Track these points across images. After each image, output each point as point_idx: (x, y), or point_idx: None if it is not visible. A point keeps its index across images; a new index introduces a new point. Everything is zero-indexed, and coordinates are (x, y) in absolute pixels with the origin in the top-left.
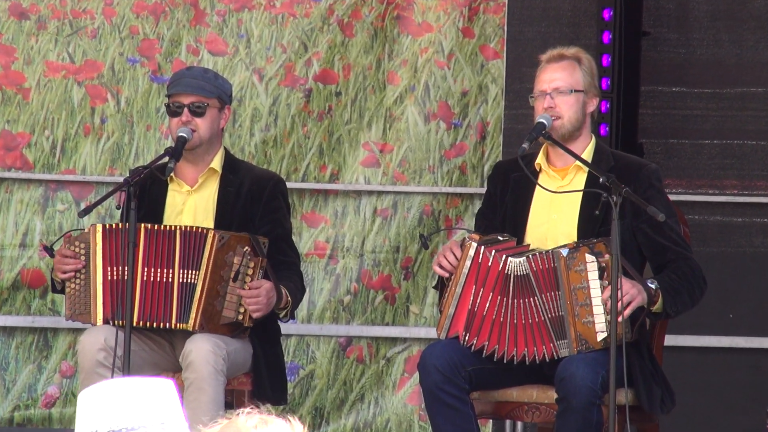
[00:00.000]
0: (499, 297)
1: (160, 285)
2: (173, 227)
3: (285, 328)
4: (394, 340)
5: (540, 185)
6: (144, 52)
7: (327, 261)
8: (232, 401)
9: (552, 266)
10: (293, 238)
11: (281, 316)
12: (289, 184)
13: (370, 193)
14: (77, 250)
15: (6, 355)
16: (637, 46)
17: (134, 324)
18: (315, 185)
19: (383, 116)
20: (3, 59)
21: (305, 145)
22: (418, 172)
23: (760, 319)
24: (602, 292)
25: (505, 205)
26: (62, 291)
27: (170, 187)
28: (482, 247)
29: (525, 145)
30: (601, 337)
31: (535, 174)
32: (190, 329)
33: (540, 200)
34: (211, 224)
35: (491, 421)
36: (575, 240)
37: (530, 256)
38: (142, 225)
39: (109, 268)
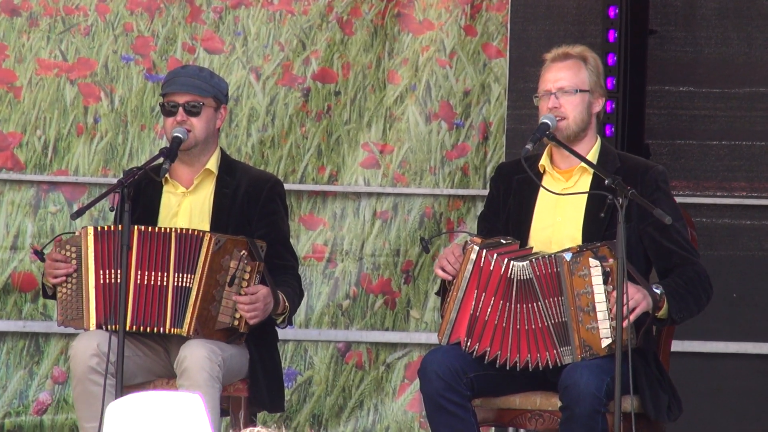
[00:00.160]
0: (501, 302)
1: (154, 289)
2: (168, 230)
3: (282, 333)
4: (394, 346)
5: (544, 187)
6: (138, 49)
7: (325, 264)
8: (228, 408)
9: (555, 271)
10: (291, 241)
11: (279, 322)
12: (286, 186)
13: (370, 194)
14: (68, 253)
15: None
16: (643, 45)
17: (127, 329)
18: (313, 187)
19: (383, 116)
20: None
21: (303, 146)
22: (419, 173)
23: None
24: (606, 298)
25: (508, 208)
26: (53, 296)
27: (165, 188)
28: (484, 251)
29: (528, 146)
30: (605, 343)
31: (539, 175)
32: (185, 334)
33: (544, 202)
34: (206, 227)
35: (493, 428)
36: (580, 243)
37: (533, 260)
38: (136, 227)
39: (101, 272)
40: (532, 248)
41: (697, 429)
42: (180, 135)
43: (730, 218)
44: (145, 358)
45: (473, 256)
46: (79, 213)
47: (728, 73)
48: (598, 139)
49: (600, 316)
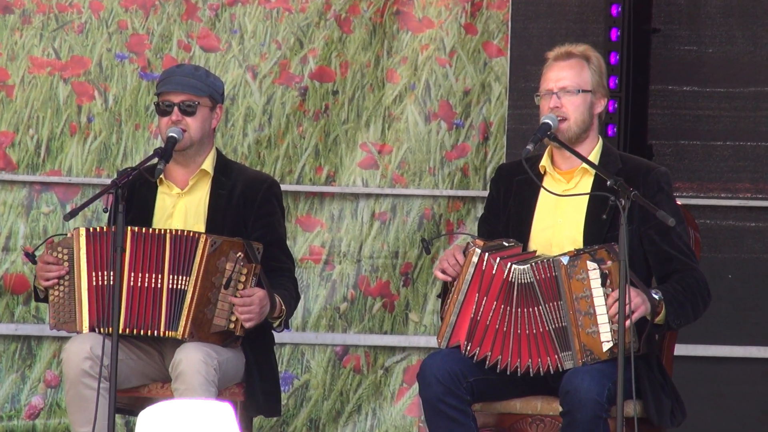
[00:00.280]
0: (502, 306)
1: (148, 291)
2: (163, 231)
3: (279, 336)
4: (392, 349)
5: (545, 188)
6: (133, 47)
7: (323, 267)
8: None
9: (553, 275)
10: (287, 242)
11: (275, 325)
12: (283, 187)
13: (368, 195)
14: (60, 255)
15: None
16: (646, 44)
17: (121, 331)
18: (310, 188)
19: (382, 116)
20: None
21: (300, 146)
22: (418, 174)
23: None
24: (606, 301)
25: (508, 210)
26: (45, 299)
27: (160, 189)
28: (486, 254)
29: (529, 147)
30: (606, 347)
31: (540, 177)
32: (180, 337)
33: (545, 204)
34: (202, 228)
35: None
36: (581, 245)
37: (533, 263)
38: (129, 228)
39: (94, 274)
40: (535, 251)
41: None
42: (175, 135)
43: (735, 220)
44: (139, 361)
45: (475, 259)
46: (73, 214)
47: (733, 72)
48: (600, 140)
49: (600, 319)
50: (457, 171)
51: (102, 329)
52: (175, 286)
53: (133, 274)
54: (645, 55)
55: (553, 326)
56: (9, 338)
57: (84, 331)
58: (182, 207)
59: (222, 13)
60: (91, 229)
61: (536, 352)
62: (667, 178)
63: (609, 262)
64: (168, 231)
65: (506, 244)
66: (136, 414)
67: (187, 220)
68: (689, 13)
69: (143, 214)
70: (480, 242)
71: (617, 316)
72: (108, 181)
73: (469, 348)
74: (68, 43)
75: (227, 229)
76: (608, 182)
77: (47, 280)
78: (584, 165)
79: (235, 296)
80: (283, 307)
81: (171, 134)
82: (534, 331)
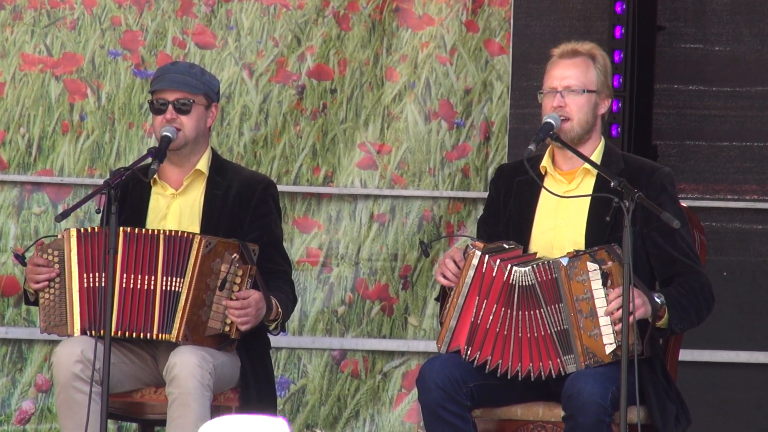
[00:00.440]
0: (503, 309)
1: (141, 293)
2: (156, 232)
3: (275, 340)
4: (391, 354)
5: (546, 189)
6: (126, 44)
7: (320, 269)
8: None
9: (553, 277)
10: (284, 244)
11: (271, 328)
12: (280, 187)
13: (367, 196)
14: (50, 257)
15: None
16: (651, 42)
17: (113, 334)
18: (308, 188)
19: (381, 115)
20: None
21: (297, 146)
22: (418, 174)
23: None
24: (607, 301)
25: (508, 211)
26: (36, 302)
27: (153, 190)
28: (486, 256)
29: (531, 147)
30: (609, 349)
31: (540, 178)
32: (174, 340)
33: (546, 206)
34: (196, 229)
35: None
36: (583, 247)
37: (535, 265)
38: (121, 228)
39: (85, 275)
40: (536, 253)
41: None
42: (169, 134)
43: (741, 222)
44: (131, 365)
45: (475, 261)
46: (64, 215)
47: (740, 71)
48: (602, 140)
49: (602, 321)
50: (458, 172)
51: (93, 332)
52: (168, 288)
53: (125, 276)
54: (650, 53)
55: (555, 329)
56: None
57: (75, 335)
58: (176, 208)
59: (218, 9)
60: (81, 230)
61: (537, 356)
62: (670, 178)
63: (609, 263)
64: (161, 232)
65: (507, 247)
66: (128, 419)
67: (182, 221)
68: (695, 11)
69: (137, 215)
70: (480, 244)
71: (615, 314)
72: (101, 181)
73: (469, 352)
74: (60, 40)
75: (222, 230)
76: (612, 183)
77: (37, 282)
78: (586, 165)
79: (231, 298)
80: (280, 310)
81: (165, 133)
82: (535, 334)
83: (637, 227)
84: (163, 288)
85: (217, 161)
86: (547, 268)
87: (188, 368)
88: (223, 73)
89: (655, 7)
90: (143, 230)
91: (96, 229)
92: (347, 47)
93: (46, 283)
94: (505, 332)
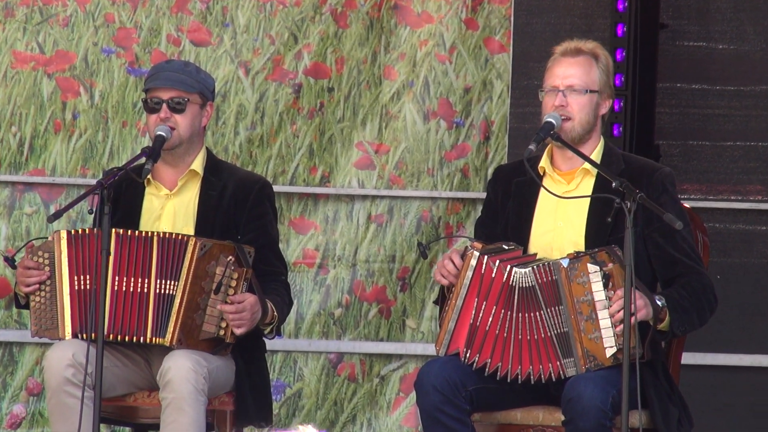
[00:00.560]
0: (502, 311)
1: (134, 296)
2: (150, 233)
3: (270, 343)
4: (388, 357)
5: (547, 190)
6: (120, 41)
7: (317, 271)
8: (213, 423)
9: (553, 278)
10: (280, 246)
11: (267, 332)
12: (276, 188)
13: (364, 197)
14: (40, 260)
15: None
16: (654, 40)
17: (105, 337)
18: (304, 189)
19: (379, 114)
20: None
21: (294, 145)
22: (416, 174)
23: None
24: (608, 304)
25: (506, 213)
26: (27, 306)
27: (147, 190)
28: (486, 257)
29: (532, 147)
30: (610, 352)
31: (539, 178)
32: (168, 344)
33: (545, 207)
34: (191, 231)
35: None
36: (583, 249)
37: (535, 266)
38: (114, 230)
39: (75, 278)
40: (535, 254)
41: None
42: (163, 133)
43: (745, 223)
44: (124, 369)
45: (473, 262)
46: (57, 215)
47: (744, 69)
48: (602, 140)
49: (602, 324)
50: (457, 172)
51: (85, 335)
52: (162, 291)
53: (117, 278)
54: (652, 51)
55: (555, 332)
56: None
57: (66, 338)
58: (171, 209)
59: (213, 6)
60: (72, 232)
61: (537, 359)
62: (671, 178)
63: (610, 265)
64: (155, 234)
65: (506, 248)
66: (121, 424)
67: (176, 223)
68: (698, 8)
69: (130, 216)
70: (479, 245)
71: (617, 316)
72: (93, 181)
73: (468, 355)
74: (53, 37)
75: (217, 231)
76: (614, 184)
77: (28, 285)
78: (585, 166)
79: (226, 302)
80: (275, 314)
81: (159, 133)
82: (535, 336)
83: (638, 228)
84: (157, 291)
85: (211, 161)
86: (547, 269)
87: (183, 373)
88: (218, 71)
89: (657, 4)
90: (136, 232)
91: (87, 231)
92: (345, 45)
93: (37, 286)
94: (505, 334)
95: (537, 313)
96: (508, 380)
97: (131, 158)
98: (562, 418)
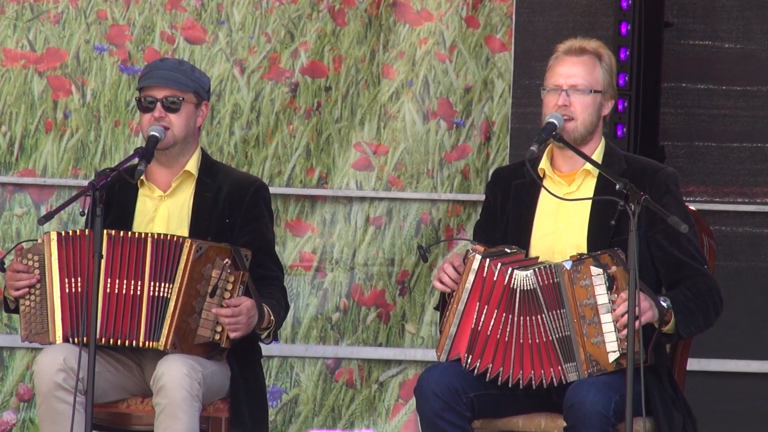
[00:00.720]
0: (504, 314)
1: (127, 298)
2: (144, 234)
3: (267, 348)
4: (387, 363)
5: (549, 191)
6: (113, 39)
7: (314, 274)
8: (207, 430)
9: (555, 281)
10: (276, 248)
11: (263, 336)
12: (272, 189)
13: (362, 199)
14: (30, 263)
15: None
16: (658, 39)
17: (97, 341)
18: (301, 190)
19: (377, 114)
20: None
21: (291, 146)
22: (416, 176)
23: None
24: (611, 308)
25: (506, 216)
26: (17, 310)
27: (140, 191)
28: (487, 260)
29: (533, 148)
30: (613, 357)
31: (539, 180)
32: (161, 348)
33: (545, 209)
34: (185, 233)
35: None
36: (585, 252)
37: (537, 269)
38: (105, 231)
39: (66, 280)
40: (537, 258)
41: None
42: (157, 134)
43: (752, 226)
44: (117, 374)
45: (475, 265)
46: (48, 217)
47: (750, 69)
48: (603, 140)
49: (605, 328)
50: (458, 173)
51: (76, 339)
52: (156, 294)
53: (110, 280)
54: (657, 50)
55: (557, 336)
56: None
57: (57, 342)
58: (164, 210)
59: (208, 3)
60: (62, 233)
61: (539, 363)
62: (674, 178)
63: (613, 267)
64: (149, 235)
65: (508, 251)
66: (114, 430)
67: (170, 225)
68: (704, 6)
69: (123, 218)
70: (480, 248)
71: (621, 320)
72: (85, 182)
73: (469, 361)
74: (44, 35)
75: (212, 234)
76: (617, 186)
77: (17, 289)
78: (586, 167)
79: (222, 306)
80: (272, 318)
81: (152, 133)
82: (537, 340)
83: (641, 230)
84: (151, 294)
85: (206, 162)
86: (549, 272)
87: (176, 378)
88: (213, 69)
89: (662, 2)
90: (129, 233)
91: (78, 232)
92: (342, 43)
93: (27, 289)
94: (506, 338)
95: (538, 317)
96: (510, 385)
97: (124, 159)
98: (564, 424)
